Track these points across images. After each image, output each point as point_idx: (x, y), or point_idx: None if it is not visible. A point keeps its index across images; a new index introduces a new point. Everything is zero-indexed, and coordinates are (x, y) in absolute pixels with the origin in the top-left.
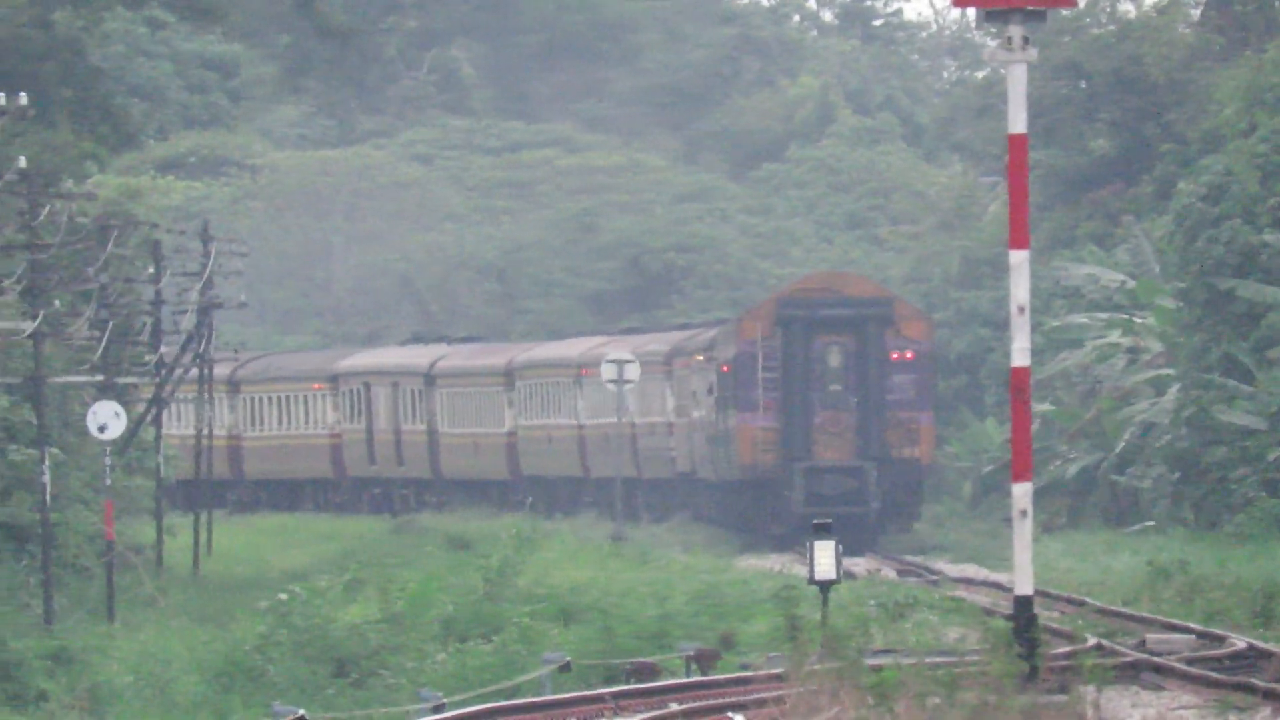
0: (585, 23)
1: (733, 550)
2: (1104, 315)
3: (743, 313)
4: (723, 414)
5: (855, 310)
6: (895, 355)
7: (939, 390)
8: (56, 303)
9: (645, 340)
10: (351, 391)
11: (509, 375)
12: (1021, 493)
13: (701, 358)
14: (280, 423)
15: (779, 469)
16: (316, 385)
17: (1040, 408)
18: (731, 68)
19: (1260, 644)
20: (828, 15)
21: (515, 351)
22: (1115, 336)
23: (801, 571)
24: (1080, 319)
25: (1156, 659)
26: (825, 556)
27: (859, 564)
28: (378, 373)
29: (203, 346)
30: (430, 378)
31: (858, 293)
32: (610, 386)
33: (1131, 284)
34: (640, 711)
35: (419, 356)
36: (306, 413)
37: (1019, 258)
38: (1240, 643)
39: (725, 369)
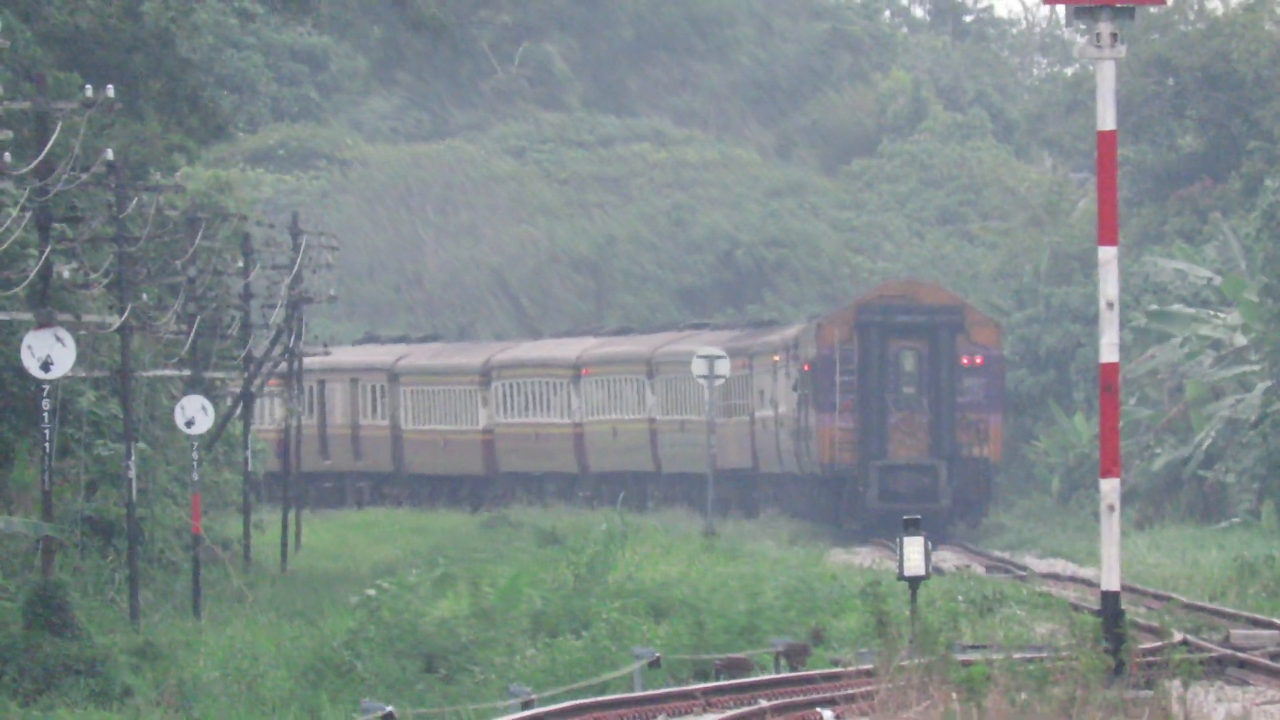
0: (678, 17)
1: (824, 544)
2: (1192, 310)
3: (822, 318)
4: (803, 412)
5: (928, 317)
6: (965, 360)
7: (1026, 386)
8: (144, 296)
9: (625, 342)
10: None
11: (485, 374)
12: (1109, 488)
13: (778, 358)
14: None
15: (856, 467)
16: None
17: (1129, 403)
18: (823, 62)
19: None
20: (919, 11)
21: (492, 351)
22: (1204, 330)
23: (892, 567)
24: (1173, 308)
25: (1242, 654)
26: (915, 552)
27: (948, 559)
28: (335, 370)
29: (292, 341)
30: (394, 374)
31: (931, 300)
32: (701, 382)
33: (1219, 280)
34: (730, 707)
35: (382, 355)
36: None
37: (1108, 254)
38: None
39: (806, 368)
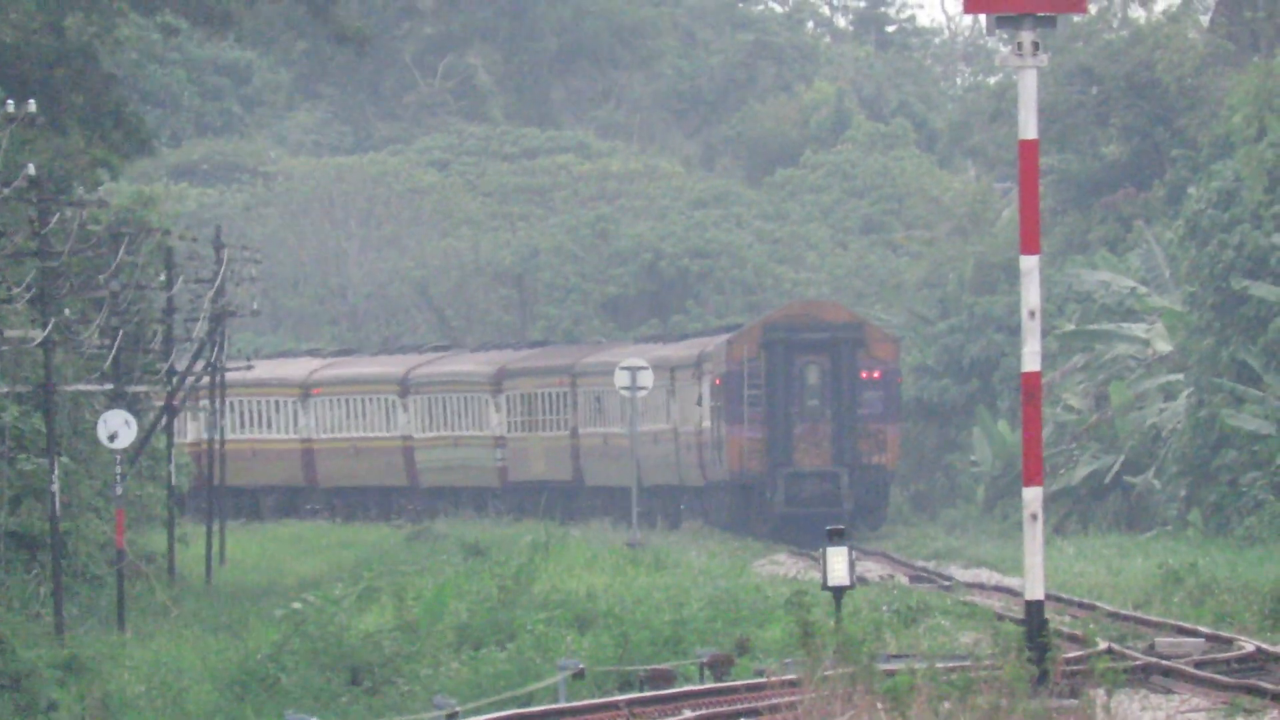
0: (601, 28)
1: (747, 555)
2: (1115, 320)
3: (732, 335)
4: (716, 424)
5: (830, 334)
6: (865, 374)
7: (951, 396)
8: (67, 311)
9: (543, 355)
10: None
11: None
12: (1032, 497)
13: (693, 372)
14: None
15: (764, 474)
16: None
17: (1051, 412)
18: (747, 73)
19: (1269, 647)
20: (842, 21)
21: (411, 363)
22: (1125, 343)
23: (816, 577)
24: (1096, 322)
25: (1167, 662)
26: (839, 563)
27: (872, 569)
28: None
29: (215, 355)
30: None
31: (832, 318)
32: (624, 393)
33: (1143, 289)
34: (654, 718)
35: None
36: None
37: (1030, 263)
38: (1250, 646)
39: (718, 382)
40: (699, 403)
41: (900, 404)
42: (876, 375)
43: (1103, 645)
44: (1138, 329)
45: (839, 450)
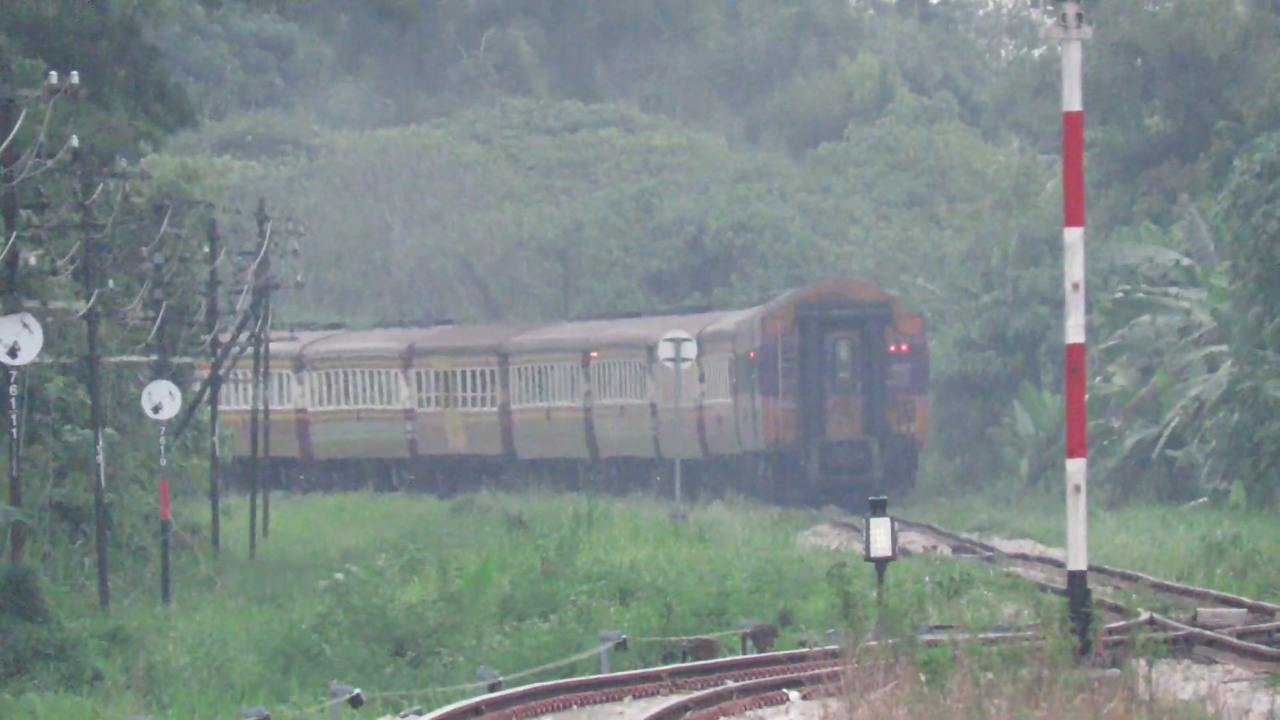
0: (645, 2)
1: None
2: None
3: (765, 312)
4: (749, 397)
5: (860, 311)
6: (893, 348)
7: (995, 369)
8: (111, 283)
9: (560, 329)
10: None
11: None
12: (1075, 468)
13: (728, 345)
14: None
15: (798, 444)
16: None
17: (1094, 385)
18: (791, 47)
19: None
20: None
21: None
22: (1168, 315)
23: (859, 548)
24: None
25: (1209, 633)
26: (881, 534)
27: (915, 541)
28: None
29: (259, 327)
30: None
31: (862, 296)
32: (668, 365)
33: (1187, 261)
34: (696, 689)
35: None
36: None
37: (1074, 236)
38: None
39: (752, 355)
40: (729, 374)
41: (927, 377)
42: (904, 349)
43: (1145, 616)
44: (1181, 301)
45: (869, 420)
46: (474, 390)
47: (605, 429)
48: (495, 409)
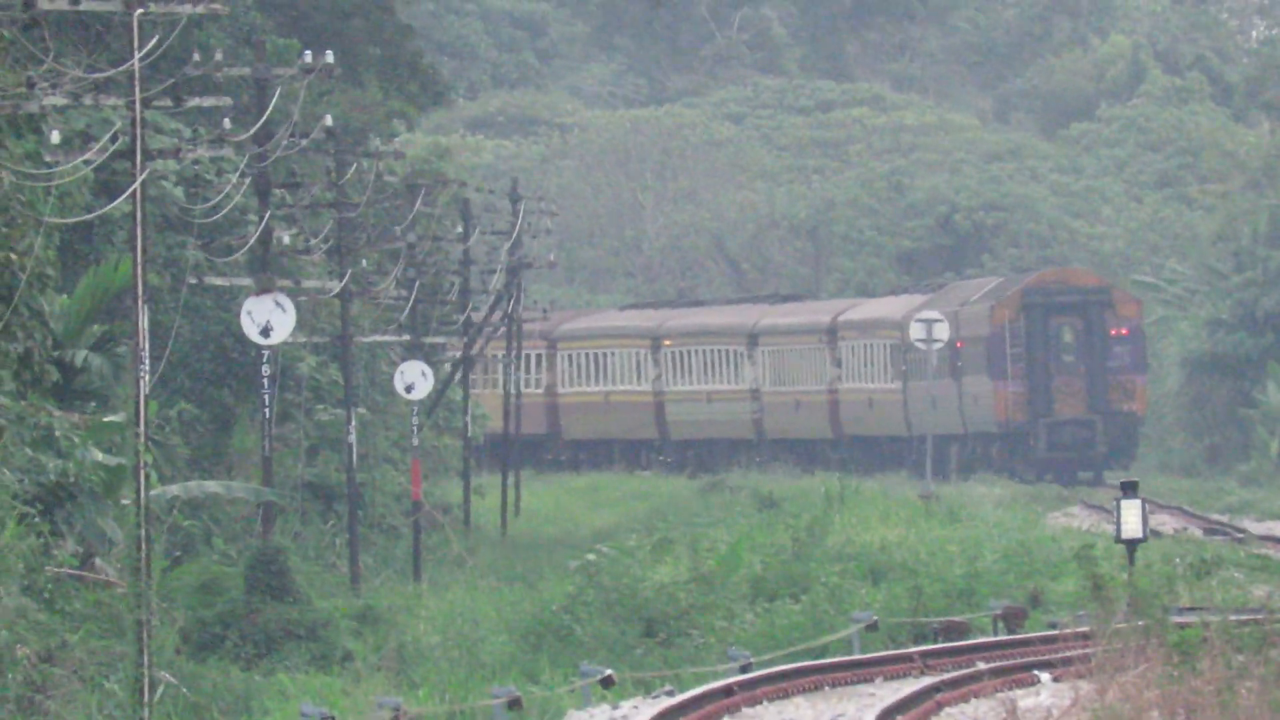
0: None
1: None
2: None
3: (994, 301)
4: (980, 379)
5: (1082, 297)
6: (1114, 331)
7: (1245, 349)
8: (364, 262)
9: (795, 310)
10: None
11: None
12: None
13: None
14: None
15: (1027, 423)
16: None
17: None
18: (1043, 27)
19: None
20: None
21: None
22: None
23: (1110, 530)
24: None
25: None
26: (1132, 516)
27: (1166, 522)
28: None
29: (511, 306)
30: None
31: (1083, 283)
32: (920, 345)
33: None
34: (948, 670)
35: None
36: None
37: None
38: None
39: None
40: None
41: (1146, 357)
42: (1124, 332)
43: None
44: None
45: (1093, 400)
46: (722, 371)
47: (850, 410)
48: (746, 390)
